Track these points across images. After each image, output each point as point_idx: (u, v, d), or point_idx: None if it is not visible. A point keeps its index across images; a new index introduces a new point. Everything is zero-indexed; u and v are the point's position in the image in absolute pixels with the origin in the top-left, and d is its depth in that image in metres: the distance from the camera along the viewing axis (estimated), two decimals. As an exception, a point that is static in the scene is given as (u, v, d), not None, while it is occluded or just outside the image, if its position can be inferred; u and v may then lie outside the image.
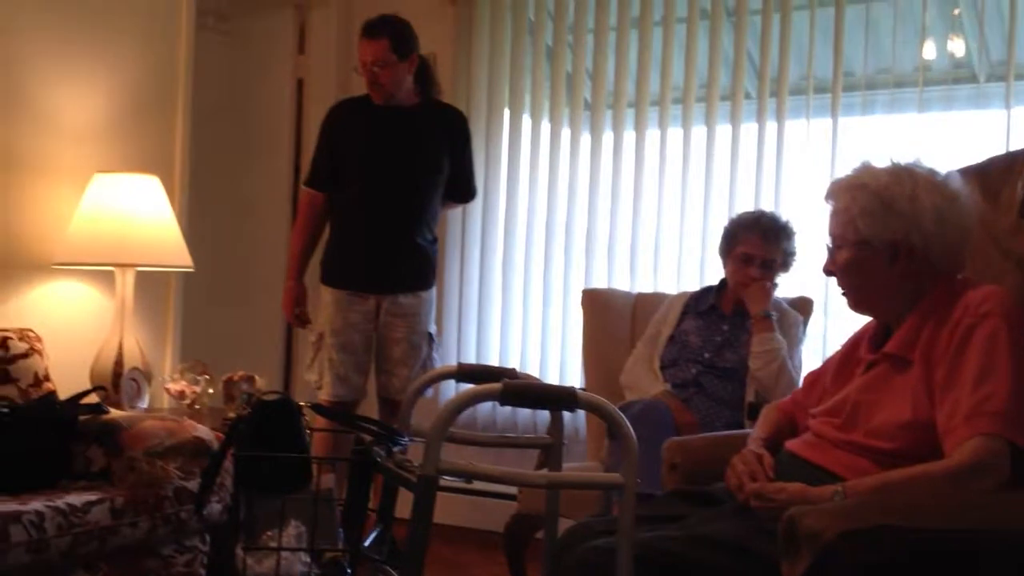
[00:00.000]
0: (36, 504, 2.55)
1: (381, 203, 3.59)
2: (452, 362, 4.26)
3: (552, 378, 4.30)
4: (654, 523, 1.97)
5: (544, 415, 3.99)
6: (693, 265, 4.10)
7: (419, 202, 3.64)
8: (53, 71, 3.57)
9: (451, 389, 4.10)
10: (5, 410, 2.84)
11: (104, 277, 3.66)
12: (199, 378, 3.55)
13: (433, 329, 3.74)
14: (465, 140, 3.76)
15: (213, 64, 4.53)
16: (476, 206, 4.45)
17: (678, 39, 4.19)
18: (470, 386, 1.74)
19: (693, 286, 3.76)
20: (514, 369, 2.52)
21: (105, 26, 3.75)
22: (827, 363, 2.22)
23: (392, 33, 3.53)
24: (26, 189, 3.51)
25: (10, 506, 2.51)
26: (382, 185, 3.60)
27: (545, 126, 4.44)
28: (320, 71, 4.86)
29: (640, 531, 1.80)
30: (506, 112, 4.50)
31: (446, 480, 1.66)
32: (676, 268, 4.13)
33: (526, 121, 4.47)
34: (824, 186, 2.09)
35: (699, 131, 4.13)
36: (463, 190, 3.83)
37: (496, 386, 1.67)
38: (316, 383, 3.65)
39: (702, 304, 3.39)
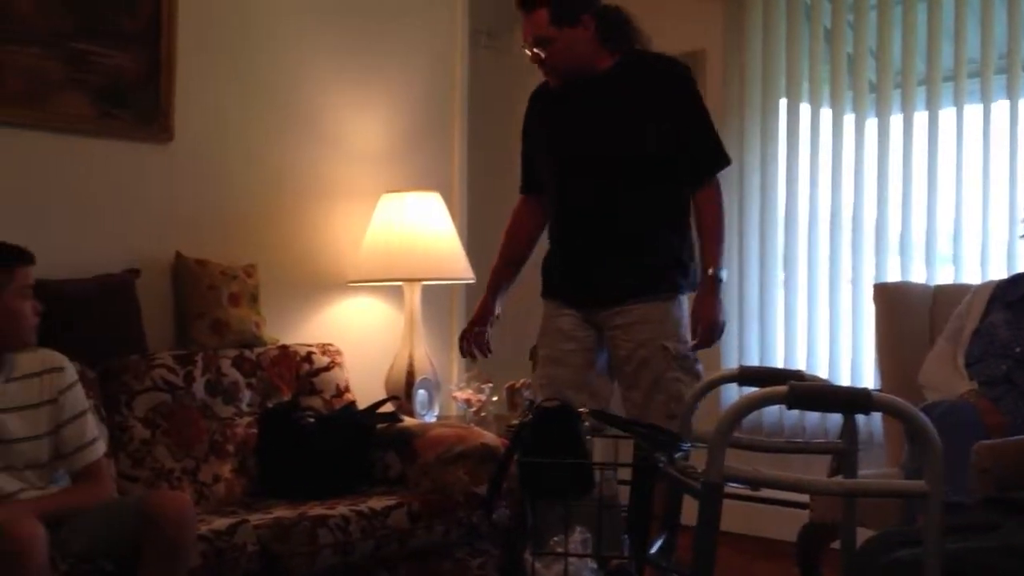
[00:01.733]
0: (341, 508, 2.72)
1: (577, 198, 2.93)
2: (733, 365, 4.14)
3: (843, 380, 4.09)
4: (963, 533, 1.84)
5: (834, 419, 3.85)
6: (999, 253, 3.77)
7: (626, 189, 2.85)
8: (340, 98, 3.81)
9: (733, 394, 3.99)
10: (311, 420, 3.06)
11: (393, 292, 3.85)
12: (483, 386, 3.66)
13: (678, 345, 2.84)
14: (684, 92, 2.88)
15: (486, 81, 4.67)
16: (753, 200, 4.32)
17: (971, 8, 3.87)
18: (753, 390, 1.67)
19: (1000, 276, 3.46)
20: (800, 371, 2.40)
21: (385, 51, 3.96)
22: None
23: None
24: (323, 212, 3.76)
25: (318, 510, 2.69)
26: (575, 176, 2.92)
27: (825, 112, 4.24)
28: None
29: (948, 542, 1.67)
30: (783, 102, 4.34)
31: (731, 487, 1.60)
32: (979, 257, 3.82)
33: (804, 109, 4.29)
34: None
35: (1001, 105, 3.80)
36: (706, 158, 2.89)
37: (782, 389, 1.60)
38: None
39: (1012, 293, 3.09)
